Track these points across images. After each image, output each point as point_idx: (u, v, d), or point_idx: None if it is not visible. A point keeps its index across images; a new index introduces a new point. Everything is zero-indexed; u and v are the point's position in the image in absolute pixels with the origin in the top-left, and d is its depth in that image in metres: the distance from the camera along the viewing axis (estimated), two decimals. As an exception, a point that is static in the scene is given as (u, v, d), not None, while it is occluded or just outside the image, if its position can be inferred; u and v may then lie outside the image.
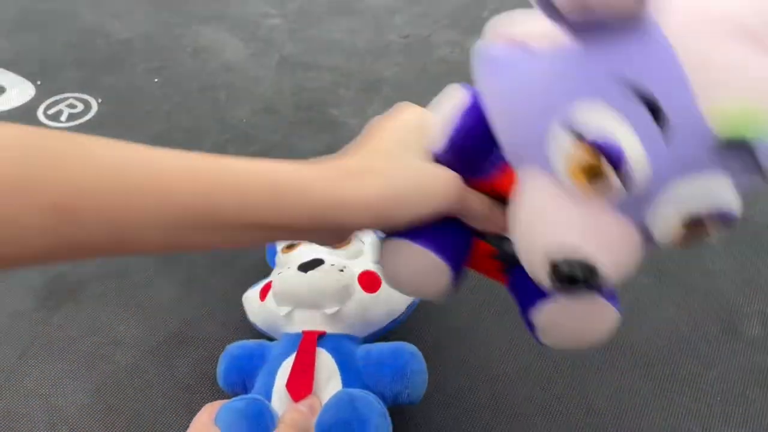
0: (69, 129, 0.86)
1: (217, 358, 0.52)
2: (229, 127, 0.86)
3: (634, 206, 0.26)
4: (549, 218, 0.26)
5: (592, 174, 0.24)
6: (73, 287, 0.64)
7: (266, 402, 0.44)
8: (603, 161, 0.23)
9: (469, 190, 0.33)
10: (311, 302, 0.49)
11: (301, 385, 0.45)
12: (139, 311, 0.62)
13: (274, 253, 0.60)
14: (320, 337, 0.48)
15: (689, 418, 0.52)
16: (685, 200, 0.25)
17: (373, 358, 0.47)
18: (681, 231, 0.25)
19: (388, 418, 0.43)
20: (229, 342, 0.52)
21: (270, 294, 0.52)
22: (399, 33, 1.08)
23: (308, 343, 0.47)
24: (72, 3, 1.17)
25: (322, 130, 0.86)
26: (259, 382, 0.48)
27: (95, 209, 0.26)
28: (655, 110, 0.23)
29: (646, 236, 0.27)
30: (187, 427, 0.44)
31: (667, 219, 0.25)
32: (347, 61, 1.01)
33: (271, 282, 0.53)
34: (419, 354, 0.47)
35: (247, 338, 0.53)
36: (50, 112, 0.89)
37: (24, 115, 0.88)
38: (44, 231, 0.26)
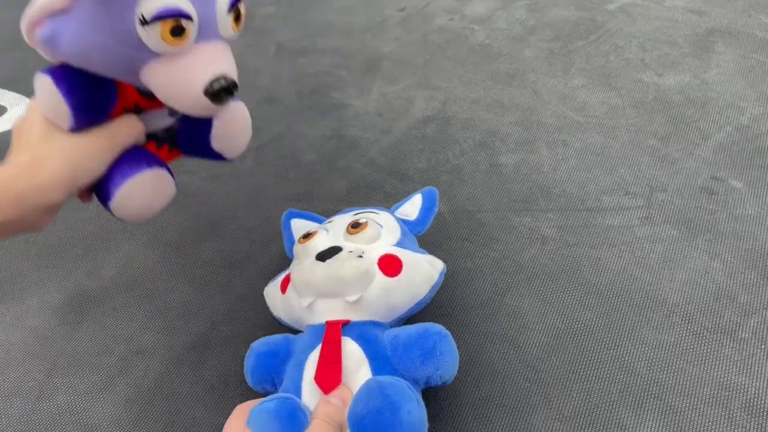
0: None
1: (243, 356, 0.51)
2: (233, 122, 0.85)
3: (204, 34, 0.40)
4: (192, 68, 0.40)
5: (177, 30, 0.38)
6: (93, 300, 0.64)
7: (297, 400, 0.43)
8: (180, 21, 0.38)
9: (114, 125, 0.44)
10: (332, 291, 0.48)
11: (329, 377, 0.44)
12: (161, 318, 0.61)
13: (293, 243, 0.60)
14: (345, 326, 0.47)
15: (733, 370, 0.51)
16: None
17: (401, 342, 0.46)
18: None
19: (422, 403, 0.42)
20: (255, 339, 0.51)
21: (290, 286, 0.51)
22: (395, 6, 1.06)
23: (333, 334, 0.46)
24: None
25: (326, 115, 0.84)
26: (287, 378, 0.47)
27: None
28: None
29: None
30: (220, 430, 0.43)
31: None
32: (345, 42, 0.99)
33: (290, 274, 0.52)
34: (447, 334, 0.46)
35: (272, 333, 0.52)
36: None
37: (28, 133, 0.88)
38: None
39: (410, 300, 0.50)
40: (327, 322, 0.47)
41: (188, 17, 0.38)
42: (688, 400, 0.49)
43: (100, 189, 0.46)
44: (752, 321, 0.54)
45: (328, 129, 0.82)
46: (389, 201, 0.62)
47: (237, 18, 0.43)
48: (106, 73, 0.42)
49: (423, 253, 0.52)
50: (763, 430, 0.47)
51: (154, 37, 0.38)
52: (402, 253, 0.50)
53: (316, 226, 0.57)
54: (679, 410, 0.49)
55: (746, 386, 0.50)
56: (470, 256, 0.62)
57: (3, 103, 0.94)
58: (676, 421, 0.48)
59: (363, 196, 0.71)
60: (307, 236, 0.53)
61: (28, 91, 0.95)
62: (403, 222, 0.56)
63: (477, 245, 0.63)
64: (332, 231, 0.53)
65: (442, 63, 0.91)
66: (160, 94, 0.41)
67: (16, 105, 0.93)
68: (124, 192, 0.45)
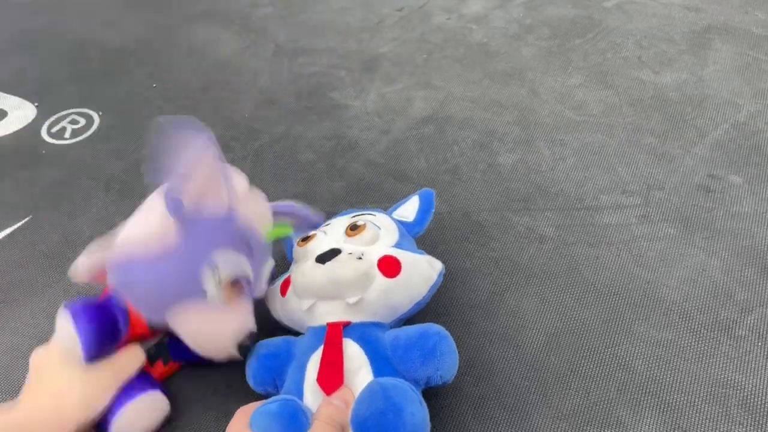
0: (74, 144, 0.86)
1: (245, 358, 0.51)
2: (233, 124, 0.86)
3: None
4: (225, 321, 0.46)
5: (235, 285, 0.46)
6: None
7: (298, 401, 0.44)
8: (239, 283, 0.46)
9: (120, 357, 0.50)
10: (332, 293, 0.48)
11: (331, 378, 0.45)
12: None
13: (292, 246, 0.60)
14: (345, 328, 0.47)
15: (730, 367, 0.51)
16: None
17: (401, 343, 0.46)
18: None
19: (423, 404, 0.43)
20: (255, 342, 0.52)
21: (290, 289, 0.51)
22: (393, 6, 1.06)
23: (334, 335, 0.47)
24: (62, 18, 1.17)
25: (325, 116, 0.85)
26: (289, 379, 0.47)
27: None
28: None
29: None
30: (223, 431, 0.44)
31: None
32: (343, 42, 0.99)
33: (290, 277, 0.52)
34: (447, 334, 0.46)
35: (272, 335, 0.52)
36: (53, 130, 0.88)
37: (28, 136, 0.88)
38: None
39: (410, 300, 0.50)
40: (328, 324, 0.48)
41: (248, 281, 0.47)
42: (686, 398, 0.50)
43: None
44: (750, 318, 0.54)
45: (326, 130, 0.82)
46: (388, 201, 0.63)
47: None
48: (143, 308, 0.48)
49: (421, 253, 0.53)
50: (760, 426, 0.47)
51: (212, 289, 0.45)
52: (401, 254, 0.50)
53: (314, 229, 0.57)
54: (676, 407, 0.49)
55: (743, 383, 0.50)
56: (469, 256, 0.63)
57: (4, 107, 0.95)
58: (674, 418, 0.48)
59: (362, 196, 0.72)
60: (306, 239, 0.53)
61: (28, 95, 0.96)
62: (400, 223, 0.57)
63: (475, 245, 0.64)
64: (331, 233, 0.53)
65: (440, 62, 0.91)
66: (187, 338, 0.46)
67: (17, 108, 0.94)
68: (121, 418, 0.48)
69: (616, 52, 0.87)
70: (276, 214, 0.53)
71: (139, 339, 0.52)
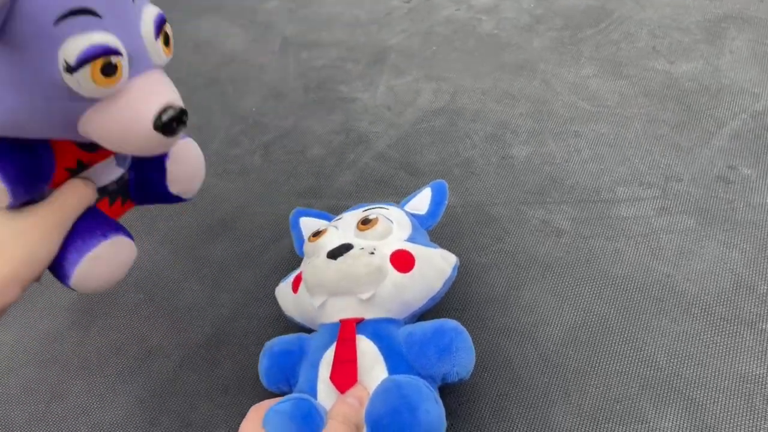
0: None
1: (257, 355, 0.51)
2: (240, 119, 0.85)
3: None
4: (135, 104, 0.35)
5: (108, 69, 0.33)
6: (103, 301, 0.63)
7: (313, 400, 0.43)
8: (109, 59, 0.33)
9: (60, 195, 0.40)
10: (345, 289, 0.47)
11: (345, 376, 0.44)
12: (172, 318, 0.61)
13: (302, 242, 0.59)
14: (359, 324, 0.46)
15: (754, 361, 0.50)
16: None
17: (416, 339, 0.45)
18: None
19: (440, 401, 0.41)
20: (267, 338, 0.51)
21: (302, 285, 0.50)
22: (400, -2, 1.05)
23: (347, 332, 0.46)
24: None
25: (334, 109, 0.83)
26: (302, 377, 0.46)
27: None
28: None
29: None
30: (235, 430, 0.43)
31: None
32: (351, 35, 0.98)
33: (301, 273, 0.52)
34: (463, 330, 0.45)
35: (284, 332, 0.51)
36: None
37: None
38: None
39: (424, 295, 0.49)
40: (341, 321, 0.47)
41: (117, 53, 0.34)
42: (710, 393, 0.48)
43: (55, 268, 0.41)
44: (773, 311, 0.53)
45: (335, 123, 0.81)
46: (399, 195, 0.62)
47: (166, 42, 0.39)
48: (39, 135, 0.37)
49: (435, 247, 0.52)
50: (787, 422, 0.46)
51: (84, 82, 0.33)
52: (414, 248, 0.49)
53: (325, 223, 0.56)
54: (700, 403, 0.48)
55: (769, 378, 0.49)
56: (483, 251, 0.61)
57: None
58: (698, 414, 0.47)
59: (372, 190, 0.70)
60: (317, 234, 0.52)
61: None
62: (413, 216, 0.55)
63: (490, 239, 0.63)
64: (342, 228, 0.52)
65: (449, 54, 0.90)
66: (105, 142, 0.37)
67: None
68: (82, 269, 0.40)
69: (629, 42, 0.85)
70: None
71: (77, 170, 0.42)
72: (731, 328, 0.52)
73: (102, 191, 0.44)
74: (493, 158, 0.72)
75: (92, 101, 0.35)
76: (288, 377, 0.48)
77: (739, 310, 0.53)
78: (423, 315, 0.51)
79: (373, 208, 0.55)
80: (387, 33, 0.97)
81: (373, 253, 0.47)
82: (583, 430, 0.48)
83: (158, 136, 0.36)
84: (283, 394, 0.46)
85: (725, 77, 0.77)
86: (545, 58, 0.86)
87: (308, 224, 0.61)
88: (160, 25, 0.38)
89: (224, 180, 0.75)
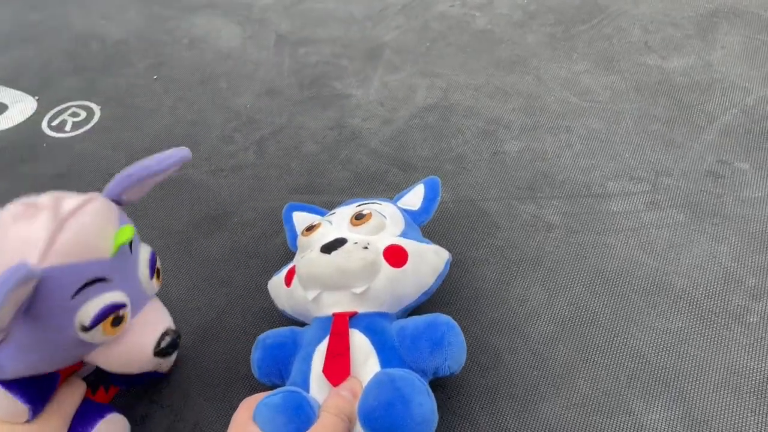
0: (75, 137, 0.85)
1: (250, 349, 0.51)
2: (234, 115, 0.85)
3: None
4: (137, 339, 0.43)
5: (117, 321, 0.41)
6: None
7: (303, 393, 0.43)
8: (118, 312, 0.41)
9: (64, 398, 0.47)
10: (338, 283, 0.47)
11: (338, 369, 0.44)
12: (167, 313, 0.61)
13: (295, 236, 0.59)
14: (352, 318, 0.47)
15: (742, 354, 0.50)
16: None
17: (408, 333, 0.45)
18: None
19: (431, 395, 0.42)
20: (260, 332, 0.51)
21: (295, 279, 0.51)
22: (394, -6, 1.05)
23: (340, 326, 0.46)
24: (62, 11, 1.16)
25: (328, 106, 0.84)
26: (294, 371, 0.47)
27: None
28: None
29: None
30: (227, 423, 0.43)
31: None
32: (345, 31, 0.98)
33: (294, 267, 0.52)
34: (455, 324, 0.46)
35: (278, 326, 0.52)
36: (54, 123, 0.88)
37: (29, 129, 0.88)
38: None
39: (417, 290, 0.49)
40: (334, 314, 0.47)
41: (124, 306, 0.41)
42: (698, 386, 0.49)
43: None
44: (761, 305, 0.53)
45: (329, 120, 0.81)
46: (393, 191, 0.62)
47: (158, 275, 0.47)
48: (53, 370, 0.44)
49: (428, 243, 0.52)
50: (773, 414, 0.47)
51: (97, 335, 0.40)
52: (407, 244, 0.50)
53: (318, 218, 0.57)
54: (688, 395, 0.48)
55: (756, 370, 0.49)
56: (475, 245, 0.62)
57: (4, 101, 0.94)
58: (686, 407, 0.48)
59: (366, 186, 0.71)
60: (310, 228, 0.52)
61: (28, 89, 0.95)
62: (406, 212, 0.56)
63: (481, 234, 0.63)
64: (336, 223, 0.53)
65: (443, 50, 0.90)
66: (109, 368, 0.44)
67: (18, 102, 0.93)
68: None
69: (622, 38, 0.86)
70: (133, 186, 0.45)
71: (73, 371, 0.49)
72: (719, 321, 0.53)
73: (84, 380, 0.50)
74: (485, 154, 0.72)
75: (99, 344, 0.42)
76: (281, 370, 0.48)
77: (728, 304, 0.54)
78: (415, 309, 0.51)
79: (367, 204, 0.56)
80: (381, 29, 0.97)
81: (366, 247, 0.48)
82: (572, 422, 0.48)
83: (156, 360, 0.44)
84: (275, 387, 0.46)
85: (717, 72, 0.77)
86: (538, 54, 0.86)
87: (301, 219, 0.62)
88: (153, 264, 0.45)
89: (218, 176, 0.75)
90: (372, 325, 0.46)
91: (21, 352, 0.40)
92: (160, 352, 0.44)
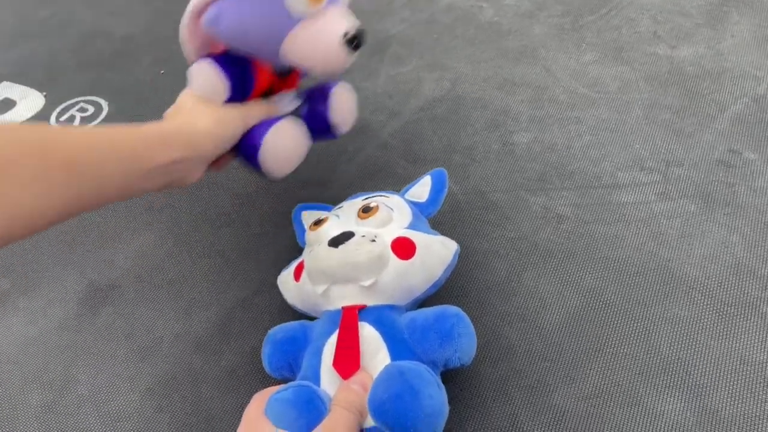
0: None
1: (261, 344, 0.51)
2: (242, 109, 0.85)
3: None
4: (329, 24, 0.49)
5: None
6: (110, 291, 0.64)
7: (314, 387, 0.43)
8: None
9: (250, 104, 0.56)
10: (346, 277, 0.47)
11: (348, 362, 0.44)
12: (178, 307, 0.62)
13: (304, 232, 0.59)
14: (361, 311, 0.47)
15: (755, 344, 0.50)
16: None
17: (418, 325, 0.45)
18: None
19: (442, 387, 0.42)
20: (271, 327, 0.51)
21: (304, 273, 0.51)
22: (401, -14, 1.04)
23: (349, 319, 0.46)
24: (69, 7, 1.16)
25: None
26: (305, 364, 0.47)
27: (90, 165, 0.43)
28: None
29: None
30: (240, 417, 0.43)
31: None
32: (352, 24, 0.98)
33: (303, 261, 0.52)
34: (464, 316, 0.46)
35: (288, 321, 0.52)
36: (62, 119, 0.88)
37: (38, 126, 0.88)
38: (64, 184, 0.41)
39: (425, 282, 0.49)
40: (343, 308, 0.47)
41: None
42: (711, 377, 0.49)
43: (247, 147, 0.55)
44: (774, 294, 0.53)
45: (337, 113, 0.81)
46: (401, 184, 0.62)
47: None
48: (254, 49, 0.52)
49: (435, 234, 0.52)
50: (787, 404, 0.46)
51: (300, 4, 0.47)
52: (415, 236, 0.50)
53: (326, 213, 0.57)
54: (701, 386, 0.48)
55: (769, 361, 0.49)
56: (485, 237, 0.62)
57: (12, 96, 0.94)
58: (699, 398, 0.47)
59: (375, 179, 0.71)
60: (318, 223, 0.52)
61: (36, 84, 0.95)
62: (413, 204, 0.56)
63: (491, 226, 0.63)
64: (343, 216, 0.53)
65: (450, 42, 0.90)
66: (302, 57, 0.50)
67: (26, 98, 0.93)
68: (270, 138, 0.54)
69: (630, 28, 0.85)
70: None
71: (267, 93, 0.58)
72: (732, 311, 0.52)
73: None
74: (494, 145, 0.72)
75: (298, 21, 0.48)
76: (291, 364, 0.48)
77: (740, 294, 0.54)
78: (425, 302, 0.51)
79: (374, 197, 0.55)
80: (388, 22, 0.97)
81: (374, 240, 0.47)
82: (584, 413, 0.48)
83: (344, 50, 0.49)
84: (286, 381, 0.46)
85: (727, 61, 0.77)
86: (546, 45, 0.85)
87: (309, 217, 0.62)
88: None
89: (227, 172, 0.75)
90: (381, 317, 0.46)
91: (238, 7, 0.49)
92: (347, 40, 0.49)
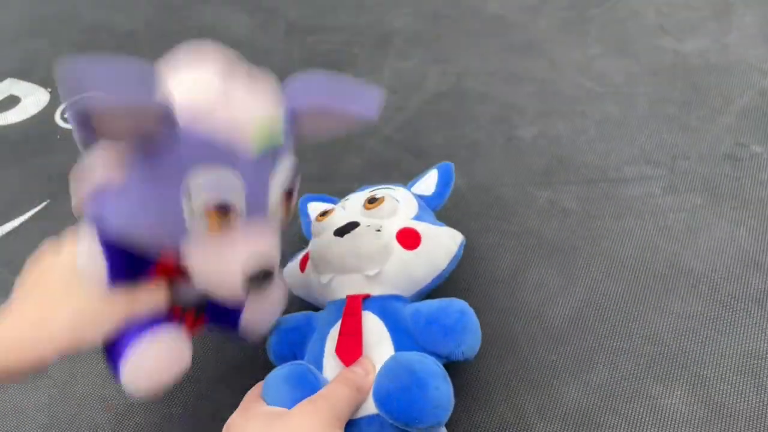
0: (88, 129, 0.85)
1: (266, 336, 0.51)
2: (246, 104, 0.84)
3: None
4: (228, 252, 0.37)
5: (224, 211, 0.36)
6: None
7: (309, 366, 0.44)
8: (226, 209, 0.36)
9: (135, 295, 0.41)
10: (351, 266, 0.47)
11: (350, 349, 0.44)
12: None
13: (309, 223, 0.59)
14: (366, 300, 0.47)
15: (761, 338, 0.50)
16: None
17: (422, 316, 0.45)
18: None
19: (448, 379, 0.42)
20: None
21: (309, 264, 0.51)
22: (405, -19, 1.04)
23: (353, 307, 0.46)
24: (72, 3, 1.16)
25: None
26: (309, 352, 0.47)
27: None
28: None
29: None
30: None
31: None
32: (356, 18, 0.98)
33: (309, 252, 0.52)
34: (469, 309, 0.45)
35: (294, 311, 0.52)
36: (67, 115, 0.88)
37: (42, 121, 0.88)
38: None
39: (430, 273, 0.49)
40: (347, 297, 0.47)
41: (236, 204, 0.36)
42: (717, 370, 0.48)
43: (108, 351, 0.42)
44: (781, 288, 0.53)
45: (341, 107, 0.81)
46: (406, 178, 0.62)
47: (288, 199, 0.42)
48: (146, 248, 0.39)
49: (441, 225, 0.52)
50: (795, 397, 0.46)
51: (199, 222, 0.36)
52: (420, 226, 0.50)
53: (332, 205, 0.57)
54: (707, 380, 0.48)
55: (777, 354, 0.49)
56: (491, 231, 0.62)
57: (17, 93, 0.94)
58: (705, 391, 0.47)
59: (380, 173, 0.70)
60: (324, 214, 0.52)
61: (41, 81, 0.95)
62: (419, 197, 0.56)
63: (497, 220, 0.63)
64: (349, 208, 0.53)
65: (455, 36, 0.89)
66: (196, 276, 0.39)
67: (30, 94, 0.93)
68: (133, 357, 0.40)
69: (636, 21, 0.85)
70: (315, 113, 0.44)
71: (170, 279, 0.43)
72: (739, 305, 0.52)
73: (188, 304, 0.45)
74: (499, 139, 0.71)
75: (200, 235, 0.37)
76: (295, 353, 0.48)
77: (747, 287, 0.53)
78: (430, 294, 0.51)
79: (380, 189, 0.55)
80: (392, 16, 0.96)
81: (379, 230, 0.48)
82: (590, 406, 0.48)
83: (244, 286, 0.38)
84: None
85: (733, 54, 0.76)
86: (551, 39, 0.85)
87: (316, 208, 0.62)
88: (290, 183, 0.41)
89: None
90: (385, 307, 0.46)
91: (129, 205, 0.37)
92: (252, 280, 0.38)
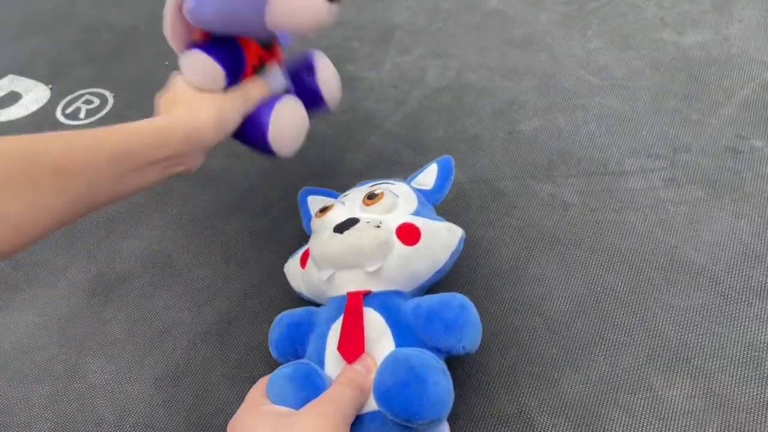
0: (89, 125, 0.85)
1: (268, 332, 0.51)
2: (247, 100, 0.85)
3: None
4: None
5: None
6: (118, 282, 0.64)
7: (313, 365, 0.44)
8: None
9: (247, 85, 0.55)
10: (351, 262, 0.47)
11: (352, 346, 0.44)
12: (185, 297, 0.62)
13: (309, 218, 0.59)
14: (366, 296, 0.47)
15: (762, 330, 0.50)
16: None
17: (423, 311, 0.45)
18: None
19: (448, 374, 0.42)
20: (278, 314, 0.52)
21: (310, 260, 0.51)
22: (405, -25, 1.04)
23: (354, 304, 0.46)
24: (73, 0, 1.16)
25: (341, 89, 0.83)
26: (310, 349, 0.47)
27: (79, 169, 0.42)
28: None
29: None
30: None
31: None
32: (357, 14, 0.98)
33: (309, 249, 0.52)
34: (470, 304, 0.45)
35: (295, 308, 0.52)
36: (68, 111, 0.88)
37: (43, 118, 0.88)
38: (53, 190, 0.40)
39: (430, 268, 0.49)
40: (348, 293, 0.47)
41: None
42: (718, 362, 0.49)
43: (253, 129, 0.55)
44: (782, 280, 0.53)
45: (342, 102, 0.80)
46: (407, 173, 0.62)
47: None
48: (239, 25, 0.50)
49: (441, 220, 0.52)
50: (796, 389, 0.46)
51: None
52: (420, 222, 0.49)
53: (332, 200, 0.57)
54: (708, 372, 0.48)
55: (777, 346, 0.49)
56: (491, 225, 0.62)
57: (18, 90, 0.94)
58: (706, 383, 0.47)
59: (381, 168, 0.71)
60: (324, 210, 0.52)
61: (42, 78, 0.96)
62: (419, 192, 0.56)
63: (498, 214, 0.63)
64: (349, 204, 0.53)
65: (455, 31, 0.89)
66: (287, 19, 0.49)
67: (31, 91, 0.94)
68: (276, 118, 0.54)
69: (636, 14, 0.85)
70: None
71: (259, 68, 0.56)
72: (739, 297, 0.52)
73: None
74: (500, 133, 0.71)
75: None
76: (297, 349, 0.49)
77: (748, 280, 0.53)
78: (431, 289, 0.51)
79: (379, 184, 0.55)
80: (392, 11, 0.96)
81: (379, 226, 0.47)
82: (591, 399, 0.48)
83: (326, 3, 0.48)
84: (293, 367, 0.46)
85: (734, 47, 0.76)
86: (552, 33, 0.85)
87: (316, 202, 0.62)
88: None
89: (234, 162, 0.75)
90: (386, 303, 0.46)
91: None
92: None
